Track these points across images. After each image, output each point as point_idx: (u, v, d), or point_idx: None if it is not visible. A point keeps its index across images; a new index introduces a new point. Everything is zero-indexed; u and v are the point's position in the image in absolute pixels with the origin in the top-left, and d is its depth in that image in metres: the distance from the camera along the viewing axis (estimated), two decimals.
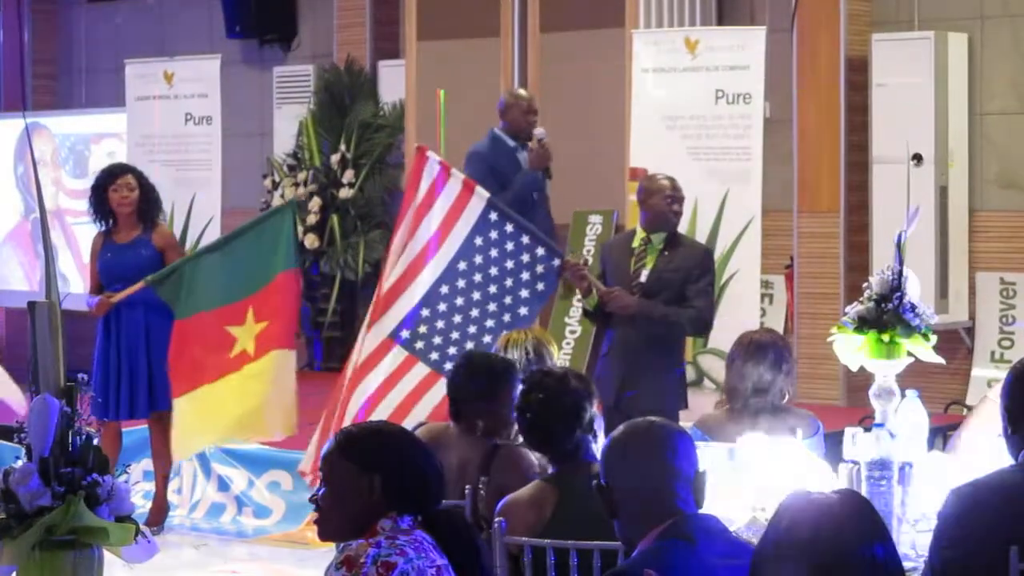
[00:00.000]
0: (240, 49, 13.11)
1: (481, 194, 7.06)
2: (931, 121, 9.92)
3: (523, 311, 7.05)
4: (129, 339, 8.28)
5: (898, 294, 5.77)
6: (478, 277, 6.91)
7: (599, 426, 4.89)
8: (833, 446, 5.82)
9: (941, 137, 9.96)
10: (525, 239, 7.01)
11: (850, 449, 5.17)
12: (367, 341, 7.03)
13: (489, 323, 6.90)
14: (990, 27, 10.09)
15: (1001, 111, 10.09)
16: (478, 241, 6.93)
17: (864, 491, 4.87)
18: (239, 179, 12.23)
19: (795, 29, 10.31)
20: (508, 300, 6.94)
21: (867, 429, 5.40)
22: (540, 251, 7.04)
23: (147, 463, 8.63)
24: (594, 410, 4.93)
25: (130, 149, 12.05)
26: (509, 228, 6.98)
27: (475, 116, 9.11)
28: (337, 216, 11.92)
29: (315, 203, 11.90)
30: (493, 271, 6.93)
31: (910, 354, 5.75)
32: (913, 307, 5.75)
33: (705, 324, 7.56)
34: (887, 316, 5.75)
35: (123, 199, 8.40)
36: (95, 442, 4.85)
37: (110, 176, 8.54)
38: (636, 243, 7.47)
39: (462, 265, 6.91)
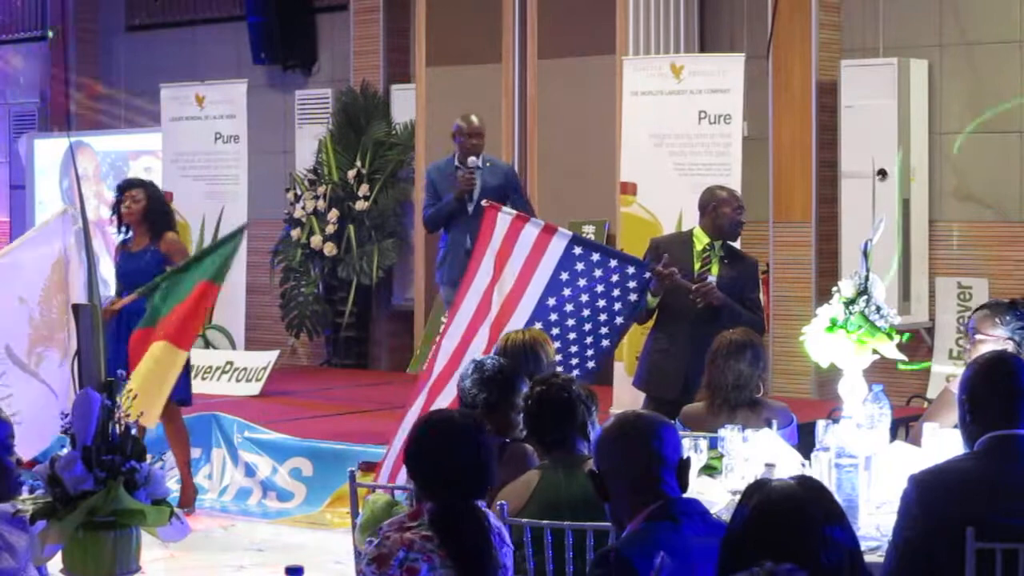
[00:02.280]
0: (265, 74, 13.12)
1: (563, 234, 6.95)
2: (894, 139, 9.92)
3: (619, 320, 6.98)
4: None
5: (865, 296, 5.78)
6: (569, 307, 6.81)
7: (593, 433, 4.87)
8: (805, 436, 5.82)
9: (904, 154, 9.97)
10: (613, 263, 6.92)
11: (821, 438, 5.17)
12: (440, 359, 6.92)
13: (588, 341, 6.84)
14: (948, 54, 10.09)
15: (958, 130, 10.10)
16: (563, 276, 6.81)
17: (833, 477, 4.86)
18: (264, 193, 12.24)
19: (771, 56, 10.31)
20: (603, 317, 6.86)
21: (836, 420, 5.40)
22: (631, 269, 6.97)
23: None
24: (593, 418, 4.94)
25: (165, 165, 12.07)
26: (595, 257, 6.89)
27: None
28: (353, 226, 11.91)
29: (333, 214, 11.90)
30: (584, 297, 6.83)
31: (876, 351, 5.76)
32: (878, 309, 5.76)
33: (764, 329, 7.53)
34: (855, 316, 5.76)
35: (127, 210, 8.45)
36: (133, 432, 4.87)
37: (120, 190, 8.62)
38: (700, 247, 7.40)
39: (551, 301, 6.78)
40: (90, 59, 14.74)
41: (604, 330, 6.93)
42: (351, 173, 12.00)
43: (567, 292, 6.84)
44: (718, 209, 7.44)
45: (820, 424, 5.27)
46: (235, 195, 11.71)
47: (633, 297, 7.00)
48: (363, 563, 3.68)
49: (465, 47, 11.30)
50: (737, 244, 7.76)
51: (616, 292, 6.91)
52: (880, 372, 6.01)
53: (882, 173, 9.87)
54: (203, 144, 11.92)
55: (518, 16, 11.00)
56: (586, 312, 6.86)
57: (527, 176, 10.76)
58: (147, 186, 8.64)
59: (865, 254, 5.90)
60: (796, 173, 10.24)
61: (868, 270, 5.80)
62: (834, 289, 5.83)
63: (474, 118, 8.91)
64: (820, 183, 10.19)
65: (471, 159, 8.70)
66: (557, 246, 6.82)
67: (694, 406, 6.21)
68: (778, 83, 10.30)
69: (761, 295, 7.69)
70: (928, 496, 4.20)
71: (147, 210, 8.42)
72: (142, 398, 7.26)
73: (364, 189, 11.93)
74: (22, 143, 14.77)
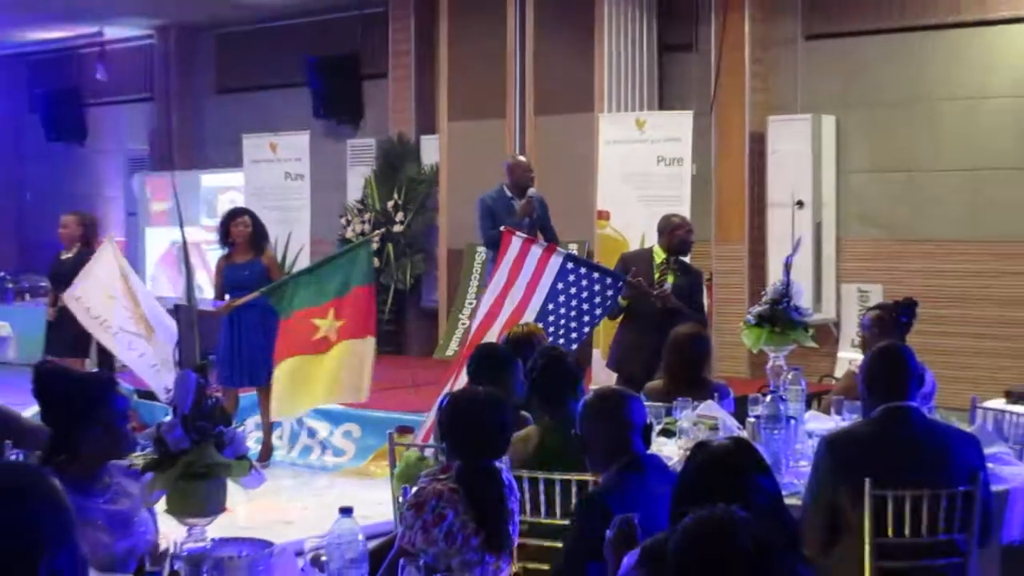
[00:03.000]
0: (323, 127, 13.12)
1: (560, 253, 6.97)
2: (810, 177, 9.91)
3: (597, 318, 7.02)
4: (250, 331, 8.22)
5: (786, 299, 5.78)
6: (563, 311, 6.84)
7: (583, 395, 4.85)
8: (740, 406, 5.82)
9: (817, 188, 9.96)
10: (596, 275, 6.95)
11: (753, 409, 5.17)
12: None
13: (574, 335, 6.85)
14: (852, 112, 10.09)
15: (859, 170, 10.09)
16: (560, 286, 6.84)
17: (762, 438, 4.85)
18: (322, 219, 12.22)
19: (713, 112, 10.31)
20: (587, 318, 6.90)
21: (764, 394, 5.40)
22: (609, 280, 6.99)
23: (258, 418, 8.62)
24: (581, 383, 4.94)
25: (246, 198, 12.05)
26: (583, 271, 6.92)
27: (488, 174, 9.08)
28: (391, 245, 11.92)
29: (376, 235, 11.91)
30: (574, 303, 6.86)
31: (795, 341, 5.75)
32: (797, 308, 5.76)
33: (707, 325, 7.52)
34: (778, 314, 5.75)
35: (239, 232, 8.43)
36: (222, 403, 4.85)
37: (231, 216, 8.58)
38: (658, 261, 7.40)
39: (551, 306, 6.83)
40: (188, 114, 14.75)
41: (587, 329, 6.98)
42: (390, 203, 12.01)
43: (562, 299, 6.87)
44: (673, 231, 7.44)
45: (752, 397, 5.27)
46: (300, 221, 11.73)
47: (609, 303, 7.03)
48: (404, 508, 3.66)
49: (478, 106, 11.31)
50: (687, 259, 7.76)
51: (598, 299, 6.94)
52: (798, 357, 6.00)
53: (800, 203, 9.87)
54: (276, 181, 11.93)
55: (519, 82, 11.01)
56: (574, 312, 6.90)
57: None
58: (251, 214, 8.65)
59: (787, 266, 5.91)
60: (733, 203, 10.23)
61: (789, 278, 5.81)
62: (763, 293, 5.83)
63: (523, 158, 8.90)
64: (752, 211, 10.19)
65: (531, 190, 8.56)
66: (555, 263, 6.87)
67: (655, 383, 6.20)
68: (719, 133, 10.29)
69: (705, 298, 7.69)
70: (837, 453, 4.21)
71: (253, 233, 8.44)
72: (347, 384, 7.33)
73: (400, 216, 11.94)
74: (135, 180, 14.78)
